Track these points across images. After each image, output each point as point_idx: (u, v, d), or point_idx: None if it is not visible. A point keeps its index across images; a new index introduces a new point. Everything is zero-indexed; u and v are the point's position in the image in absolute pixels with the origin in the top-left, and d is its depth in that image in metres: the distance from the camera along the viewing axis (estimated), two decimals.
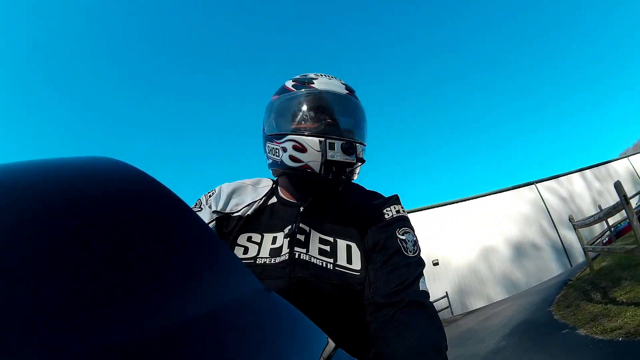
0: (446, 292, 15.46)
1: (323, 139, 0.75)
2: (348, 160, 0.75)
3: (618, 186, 3.81)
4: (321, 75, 0.87)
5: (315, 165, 0.76)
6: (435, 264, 16.09)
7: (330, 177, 0.76)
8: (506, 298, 13.90)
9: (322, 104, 0.81)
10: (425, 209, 17.35)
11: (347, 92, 0.85)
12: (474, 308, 14.88)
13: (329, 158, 0.75)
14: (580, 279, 6.44)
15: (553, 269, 15.90)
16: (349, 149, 0.75)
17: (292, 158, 0.78)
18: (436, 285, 15.59)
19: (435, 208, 17.54)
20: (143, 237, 0.24)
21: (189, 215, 0.29)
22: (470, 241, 16.84)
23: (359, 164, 0.80)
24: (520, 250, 16.70)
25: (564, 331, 3.88)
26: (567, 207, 17.89)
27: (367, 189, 0.91)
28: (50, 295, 0.17)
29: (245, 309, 0.31)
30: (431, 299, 0.73)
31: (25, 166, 0.25)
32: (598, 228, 14.02)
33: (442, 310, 14.17)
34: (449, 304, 14.91)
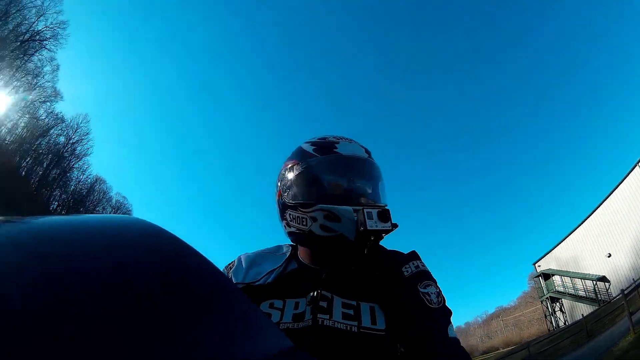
0: None
1: (359, 208, 0.76)
2: (386, 228, 0.75)
3: None
4: (341, 139, 0.87)
5: (351, 234, 0.76)
6: None
7: (367, 244, 0.77)
8: None
9: (350, 170, 0.82)
10: None
11: (367, 155, 0.85)
12: None
13: (369, 228, 0.74)
14: None
15: None
16: (385, 216, 0.75)
17: (323, 227, 0.78)
18: None
19: None
20: (175, 298, 0.24)
21: (220, 278, 0.30)
22: None
23: (393, 229, 0.80)
24: None
25: None
26: None
27: (387, 249, 0.91)
28: (83, 347, 0.17)
29: None
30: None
31: (62, 222, 0.27)
32: None
33: None
34: None
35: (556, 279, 23.84)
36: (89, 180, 35.97)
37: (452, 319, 0.76)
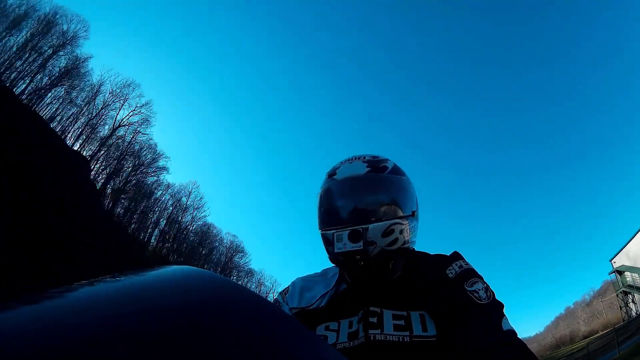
0: None
1: (331, 231, 0.81)
2: (355, 249, 0.78)
3: None
4: (345, 161, 0.90)
5: (338, 256, 0.81)
6: None
7: (354, 264, 0.81)
8: None
9: (334, 196, 0.87)
10: None
11: (370, 169, 0.86)
12: None
13: (336, 251, 0.80)
14: None
15: None
16: (356, 236, 0.79)
17: (327, 251, 0.85)
18: None
19: None
20: (238, 339, 0.26)
21: (275, 311, 0.32)
22: None
23: (372, 247, 0.79)
24: None
25: None
26: None
27: (431, 254, 0.92)
28: None
29: None
30: None
31: (124, 279, 0.32)
32: None
33: None
34: None
35: (627, 274, 26.74)
36: (200, 229, 39.91)
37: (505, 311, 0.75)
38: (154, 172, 34.75)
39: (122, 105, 32.13)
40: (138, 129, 33.21)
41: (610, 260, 30.58)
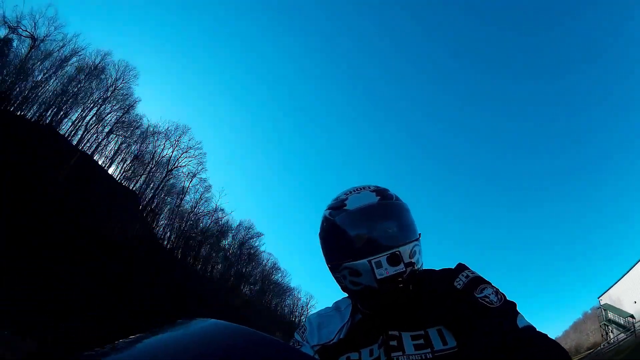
0: None
1: (367, 260, 0.82)
2: (398, 271, 0.81)
3: None
4: (351, 193, 0.93)
5: (373, 284, 0.82)
6: None
7: (389, 289, 0.83)
8: None
9: (358, 224, 0.88)
10: None
11: (380, 197, 0.89)
12: None
13: (378, 277, 0.81)
14: None
15: None
16: (395, 260, 0.81)
17: (352, 282, 0.86)
18: None
19: None
20: None
21: (295, 354, 0.37)
22: None
23: (409, 268, 0.83)
24: None
25: None
26: None
27: (436, 270, 0.94)
28: None
29: None
30: None
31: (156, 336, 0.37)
32: None
33: None
34: None
35: (609, 313, 35.63)
36: (268, 268, 43.77)
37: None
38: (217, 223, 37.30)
39: (174, 148, 33.85)
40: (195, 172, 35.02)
41: (598, 298, 39.66)
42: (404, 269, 0.82)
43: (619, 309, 34.24)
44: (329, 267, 0.92)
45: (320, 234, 0.95)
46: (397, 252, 0.82)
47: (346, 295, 0.97)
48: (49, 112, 25.93)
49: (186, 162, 35.21)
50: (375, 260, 0.82)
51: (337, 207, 0.91)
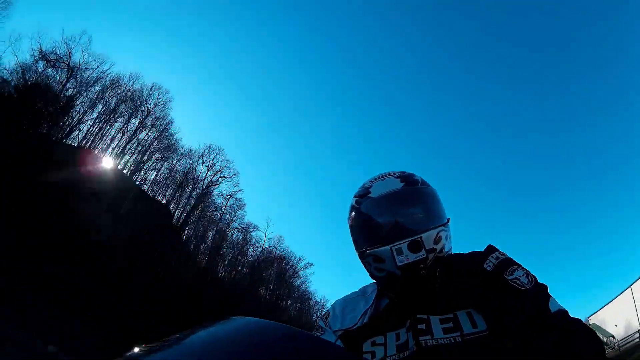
0: None
1: (389, 246, 0.82)
2: (419, 258, 0.82)
3: None
4: (376, 179, 0.93)
5: (396, 270, 0.83)
6: None
7: (410, 276, 0.83)
8: None
9: (381, 211, 0.88)
10: None
11: (404, 183, 0.89)
12: None
13: (399, 264, 0.81)
14: None
15: None
16: (416, 246, 0.82)
17: (377, 269, 0.88)
18: None
19: None
20: None
21: (322, 344, 0.39)
22: None
23: (432, 254, 0.83)
24: None
25: None
26: None
27: (465, 253, 0.94)
28: None
29: None
30: None
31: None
32: None
33: None
34: None
35: (596, 330, 37.66)
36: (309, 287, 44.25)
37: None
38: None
39: (209, 168, 35.29)
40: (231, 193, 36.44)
41: (588, 317, 41.53)
42: (425, 255, 0.83)
43: (603, 329, 36.45)
44: (358, 255, 0.94)
45: (348, 222, 0.97)
46: (419, 239, 0.83)
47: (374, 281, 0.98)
48: (90, 139, 28.94)
49: (222, 182, 36.67)
50: (396, 247, 0.83)
51: (363, 194, 0.93)
